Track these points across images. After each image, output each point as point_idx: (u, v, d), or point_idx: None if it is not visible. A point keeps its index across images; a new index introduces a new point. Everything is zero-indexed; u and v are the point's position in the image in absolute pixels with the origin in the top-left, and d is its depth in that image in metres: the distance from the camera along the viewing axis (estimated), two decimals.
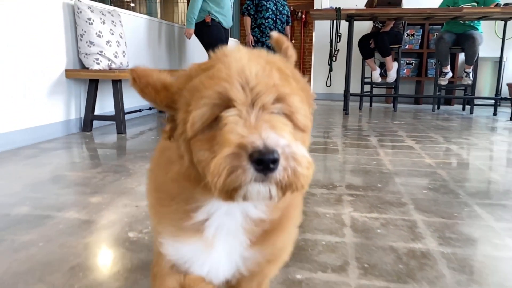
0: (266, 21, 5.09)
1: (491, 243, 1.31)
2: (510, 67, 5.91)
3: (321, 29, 6.52)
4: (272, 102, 0.49)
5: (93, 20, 3.21)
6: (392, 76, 5.22)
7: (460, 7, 4.56)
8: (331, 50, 4.75)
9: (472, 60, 4.73)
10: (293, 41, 9.85)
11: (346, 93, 4.75)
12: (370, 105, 5.93)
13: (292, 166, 0.46)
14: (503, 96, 4.84)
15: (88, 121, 3.30)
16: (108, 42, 3.33)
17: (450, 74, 4.99)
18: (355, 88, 5.98)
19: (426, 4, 5.70)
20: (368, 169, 2.24)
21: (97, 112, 3.49)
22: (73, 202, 1.65)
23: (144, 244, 1.27)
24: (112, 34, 3.40)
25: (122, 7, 4.23)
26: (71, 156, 2.49)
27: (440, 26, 5.69)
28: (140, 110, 3.95)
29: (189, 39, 4.62)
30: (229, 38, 5.08)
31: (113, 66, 3.40)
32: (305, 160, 0.47)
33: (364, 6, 5.35)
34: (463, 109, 5.48)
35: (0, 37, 2.54)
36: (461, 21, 4.83)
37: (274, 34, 0.82)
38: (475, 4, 4.64)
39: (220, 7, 4.45)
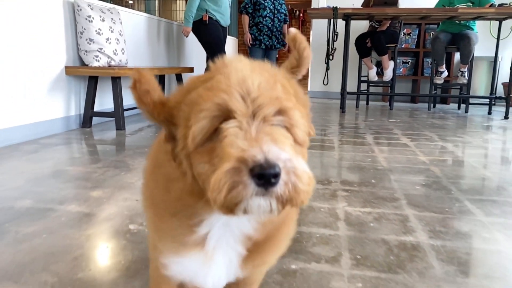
0: (264, 19, 5.13)
1: (480, 236, 1.36)
2: (505, 66, 5.97)
3: (319, 28, 6.56)
4: (273, 114, 0.48)
5: (93, 18, 3.25)
6: (388, 74, 5.27)
7: (455, 7, 4.61)
8: (328, 49, 4.79)
9: (467, 59, 4.78)
10: None
11: (343, 92, 4.80)
12: (367, 104, 5.98)
13: (293, 181, 0.45)
14: (498, 95, 4.90)
15: (87, 117, 3.34)
16: (107, 39, 3.36)
17: (445, 73, 5.05)
18: (352, 86, 6.04)
19: (422, 4, 5.75)
20: (363, 165, 2.29)
21: (96, 108, 3.52)
22: (74, 195, 1.69)
23: (145, 236, 1.31)
24: (112, 31, 3.43)
25: (121, 5, 4.25)
26: (71, 152, 2.52)
27: (436, 26, 5.74)
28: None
29: (186, 37, 4.65)
30: (227, 36, 5.12)
31: (113, 63, 3.43)
32: (306, 175, 0.46)
33: (361, 6, 5.40)
34: (459, 107, 5.54)
35: (0, 35, 2.57)
36: (457, 21, 4.88)
37: (293, 30, 0.78)
38: (471, 4, 4.69)
39: (217, 5, 4.49)
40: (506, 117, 4.55)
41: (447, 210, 1.60)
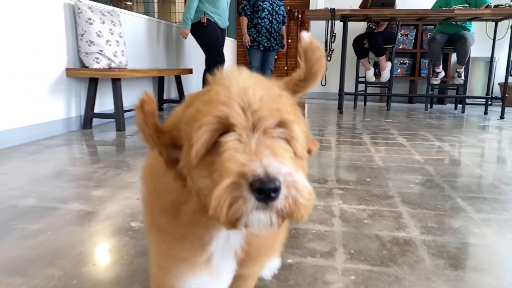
0: (262, 21, 5.18)
1: (470, 231, 1.41)
2: (501, 67, 6.03)
3: (317, 29, 6.61)
4: (274, 126, 0.48)
5: (93, 20, 3.29)
6: (385, 75, 5.33)
7: (451, 8, 4.67)
8: (326, 50, 4.84)
9: (464, 60, 4.84)
10: (289, 41, 9.94)
11: (341, 92, 4.85)
12: (365, 104, 6.04)
13: (293, 195, 0.45)
14: (494, 96, 4.95)
15: (88, 118, 3.38)
16: (107, 41, 3.41)
17: (442, 74, 5.10)
18: (349, 87, 6.08)
19: (419, 5, 5.81)
20: (359, 165, 2.33)
21: (96, 110, 3.57)
22: (76, 195, 1.73)
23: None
24: (112, 33, 3.48)
25: (120, 7, 4.30)
26: (72, 152, 2.57)
27: (433, 27, 5.79)
28: None
29: (185, 38, 4.70)
30: (226, 38, 5.17)
31: (113, 65, 3.48)
32: (306, 190, 0.46)
33: (359, 7, 5.45)
34: (455, 108, 5.59)
35: (2, 37, 2.62)
36: (453, 22, 4.94)
37: (306, 36, 0.71)
38: (467, 5, 4.75)
39: (215, 7, 4.54)
40: (501, 117, 4.60)
41: (439, 207, 1.65)
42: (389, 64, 5.30)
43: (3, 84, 2.63)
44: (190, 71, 4.97)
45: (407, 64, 6.32)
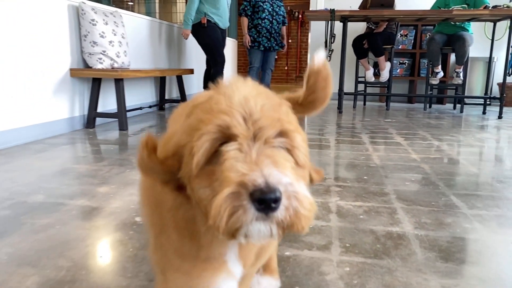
0: (263, 21, 5.24)
1: (462, 227, 1.46)
2: (500, 67, 6.07)
3: (317, 29, 6.67)
4: (275, 136, 0.48)
5: (96, 21, 3.35)
6: (385, 75, 5.38)
7: (450, 8, 4.72)
8: (325, 50, 4.90)
9: (463, 60, 4.89)
10: (290, 41, 10.01)
11: (340, 92, 4.90)
12: (364, 104, 6.09)
13: (294, 206, 0.44)
14: (493, 96, 5.00)
15: (91, 118, 3.44)
16: (110, 42, 3.47)
17: (441, 74, 5.15)
18: (349, 87, 6.14)
19: (419, 5, 5.86)
20: (357, 163, 2.39)
21: (100, 109, 3.63)
22: (82, 191, 1.79)
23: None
24: (115, 34, 3.54)
25: (122, 7, 4.36)
26: (77, 151, 2.63)
27: (433, 27, 5.84)
28: (141, 108, 4.10)
29: (186, 39, 4.77)
30: (227, 38, 5.22)
31: (115, 65, 3.54)
32: (307, 200, 0.45)
33: (358, 8, 5.51)
34: (454, 108, 5.65)
35: (7, 39, 2.68)
36: (452, 23, 4.99)
37: (318, 58, 0.67)
38: (465, 6, 4.80)
39: (216, 8, 4.59)
40: (499, 117, 4.65)
41: (433, 204, 1.70)
42: (388, 64, 5.35)
43: (7, 85, 2.70)
44: (191, 71, 5.03)
45: (406, 64, 6.37)
